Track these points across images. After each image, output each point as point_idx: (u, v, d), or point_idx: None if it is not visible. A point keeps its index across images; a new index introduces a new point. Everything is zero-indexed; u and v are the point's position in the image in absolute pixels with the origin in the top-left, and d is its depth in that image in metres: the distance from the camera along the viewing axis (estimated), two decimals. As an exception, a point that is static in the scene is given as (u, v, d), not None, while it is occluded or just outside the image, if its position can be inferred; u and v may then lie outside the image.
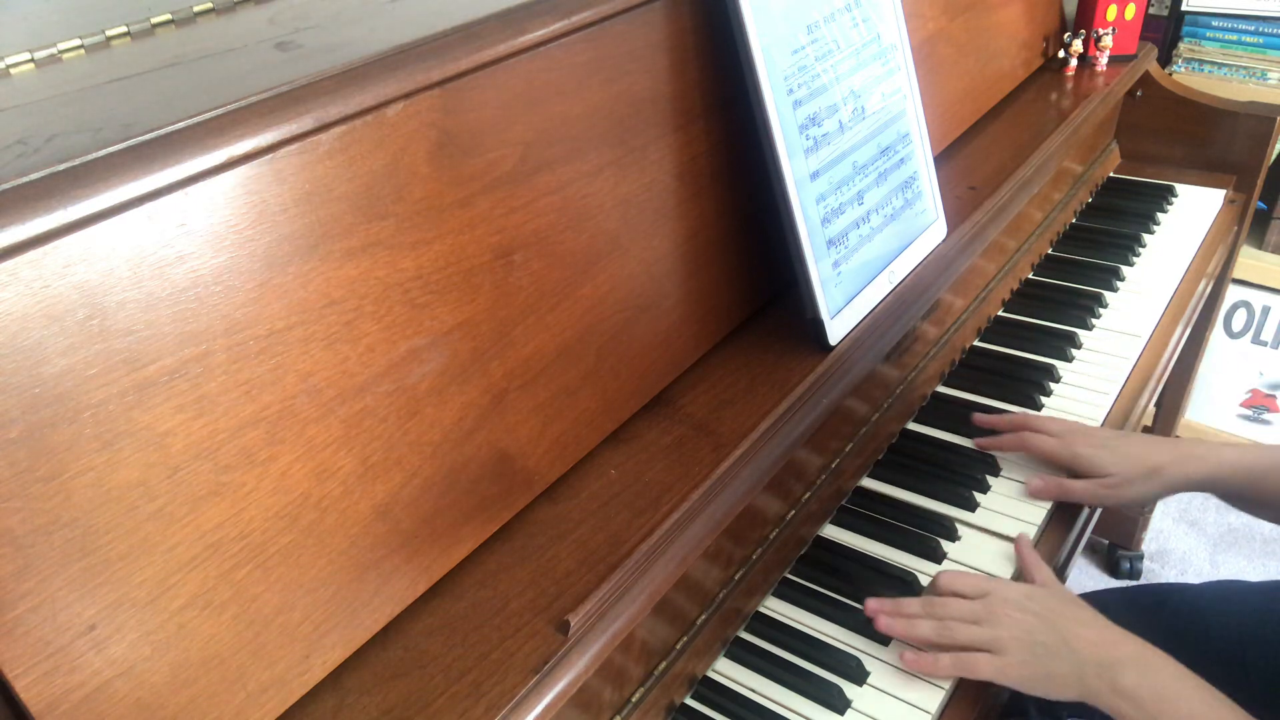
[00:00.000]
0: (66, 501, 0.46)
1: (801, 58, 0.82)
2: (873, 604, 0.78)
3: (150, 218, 0.47)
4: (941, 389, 1.05)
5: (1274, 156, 1.44)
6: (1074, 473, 0.90)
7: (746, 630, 0.80)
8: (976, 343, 1.12)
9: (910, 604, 0.77)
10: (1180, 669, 0.69)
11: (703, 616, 0.76)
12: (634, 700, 0.70)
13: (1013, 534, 0.86)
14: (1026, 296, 1.20)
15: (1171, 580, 1.75)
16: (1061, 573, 0.89)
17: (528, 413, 0.68)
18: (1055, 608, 0.73)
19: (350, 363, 0.57)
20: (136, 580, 0.49)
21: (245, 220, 0.51)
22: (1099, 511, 0.97)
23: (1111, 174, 1.48)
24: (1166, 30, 1.74)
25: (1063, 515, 0.90)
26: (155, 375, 0.48)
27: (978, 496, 0.91)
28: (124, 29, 0.71)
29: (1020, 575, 0.83)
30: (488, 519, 0.67)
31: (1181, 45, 1.72)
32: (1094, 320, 1.15)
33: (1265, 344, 1.77)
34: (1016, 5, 1.32)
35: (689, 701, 0.75)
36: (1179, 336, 1.20)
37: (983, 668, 0.71)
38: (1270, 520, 0.88)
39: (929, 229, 0.99)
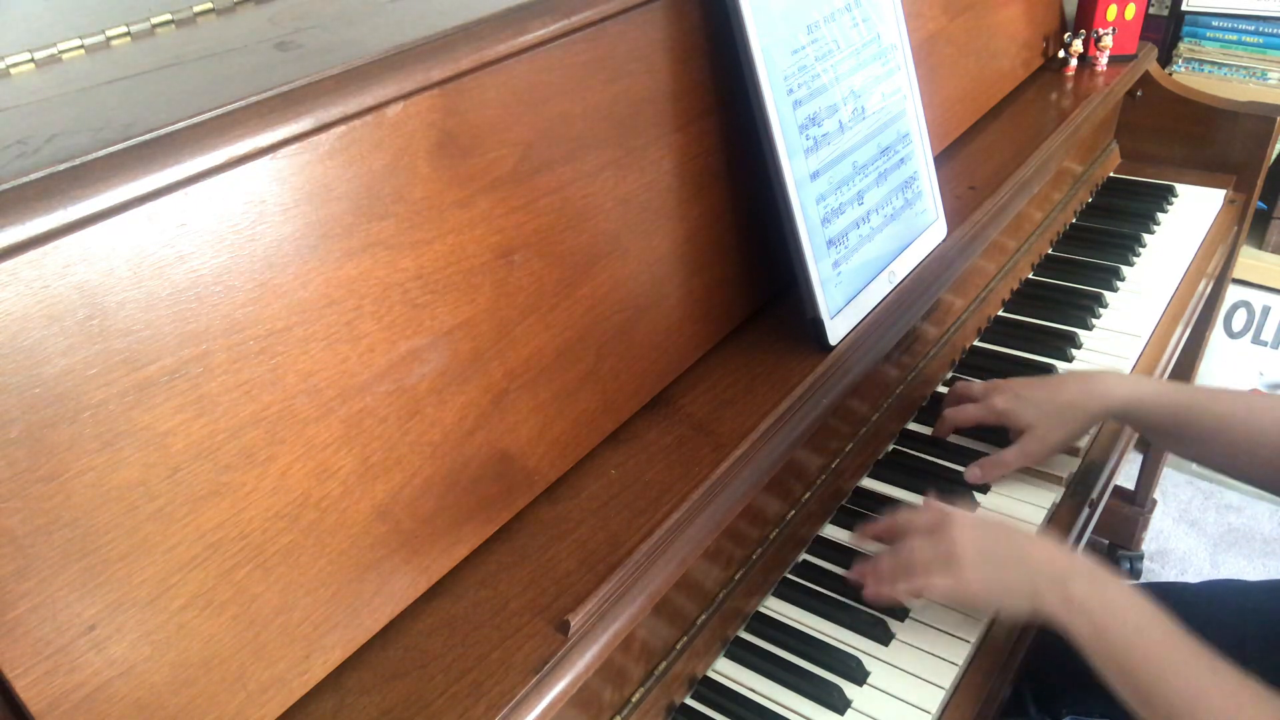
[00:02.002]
0: (66, 501, 0.46)
1: (801, 58, 0.82)
2: (855, 572, 0.81)
3: (150, 218, 0.47)
4: (942, 389, 1.05)
5: (1274, 156, 1.44)
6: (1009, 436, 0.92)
7: (746, 630, 0.80)
8: (976, 343, 1.12)
9: (881, 559, 0.79)
10: (1129, 587, 0.70)
11: (703, 616, 0.76)
12: (634, 700, 0.70)
13: (1013, 534, 0.86)
14: (1026, 296, 1.20)
15: (1171, 580, 1.75)
16: (1061, 573, 0.89)
17: (528, 413, 0.68)
18: (1010, 527, 0.78)
19: (350, 363, 0.57)
20: (136, 580, 0.49)
21: (245, 220, 0.51)
22: (1099, 511, 0.97)
23: (1111, 174, 1.48)
24: (1166, 30, 1.74)
25: (1063, 515, 0.90)
26: (155, 375, 0.48)
27: (978, 496, 0.91)
28: (124, 29, 0.71)
29: None
30: (488, 519, 0.67)
31: (1181, 45, 1.72)
32: (1094, 320, 1.15)
33: (1265, 344, 1.77)
34: (1016, 5, 1.32)
35: (689, 701, 0.75)
36: (1179, 336, 1.19)
37: (938, 584, 0.74)
38: (1191, 459, 0.88)
39: (929, 229, 0.99)
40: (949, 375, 1.07)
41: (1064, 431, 0.89)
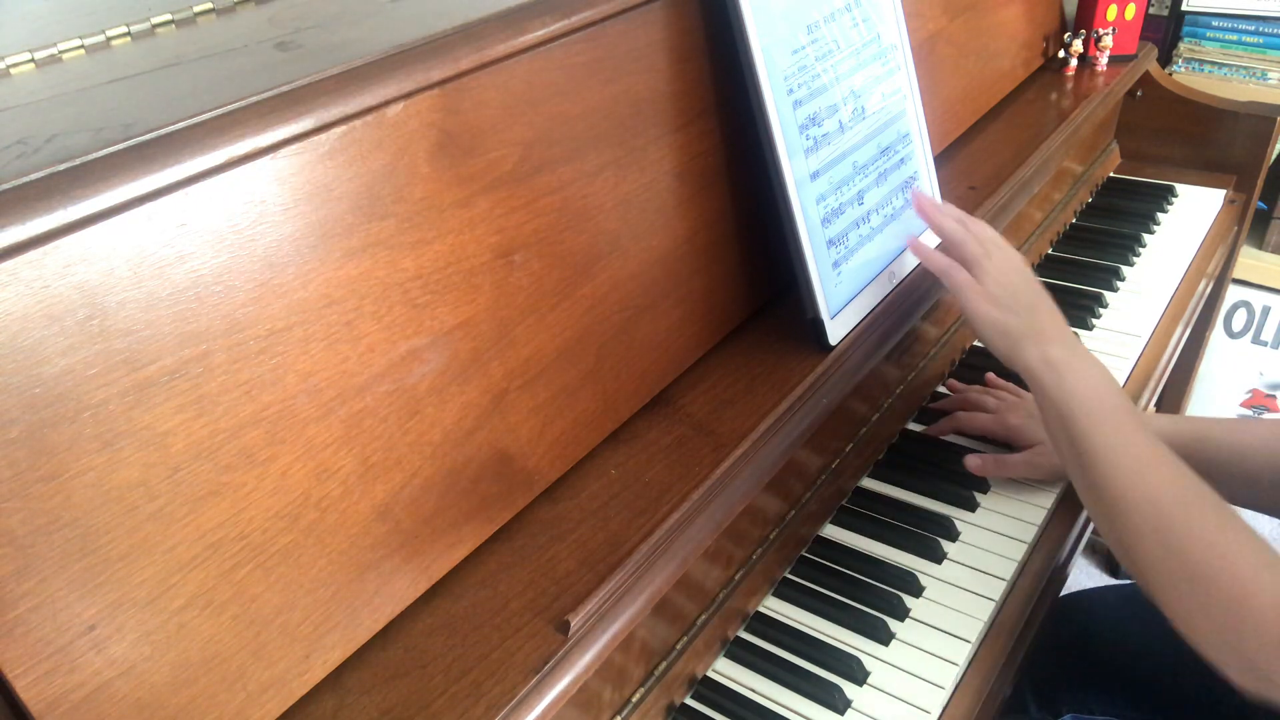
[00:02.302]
0: (66, 501, 0.46)
1: (801, 58, 0.82)
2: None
3: (150, 218, 0.47)
4: (942, 389, 1.05)
5: (1274, 156, 1.44)
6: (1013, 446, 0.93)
7: (746, 630, 0.80)
8: (976, 343, 1.12)
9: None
10: (1103, 369, 0.75)
11: (703, 616, 0.76)
12: (634, 700, 0.70)
13: (1013, 534, 0.87)
14: (1026, 296, 1.19)
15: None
16: (1061, 572, 0.89)
17: (528, 413, 0.68)
18: (1037, 280, 0.82)
19: (350, 363, 0.57)
20: (136, 580, 0.49)
21: (245, 220, 0.51)
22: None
23: (1111, 174, 1.48)
24: (1166, 30, 1.74)
25: (1063, 514, 0.90)
26: (155, 375, 0.48)
27: (978, 496, 0.91)
28: (124, 29, 0.71)
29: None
30: (488, 519, 0.67)
31: (1181, 45, 1.72)
32: (1094, 320, 1.15)
33: (1265, 344, 1.77)
34: (1016, 5, 1.32)
35: (689, 701, 0.75)
36: (1179, 336, 1.19)
37: (958, 277, 0.81)
38: None
39: (929, 229, 0.99)
40: (949, 375, 1.07)
41: None
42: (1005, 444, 0.95)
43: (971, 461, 0.92)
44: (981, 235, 0.84)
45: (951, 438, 0.98)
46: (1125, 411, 0.71)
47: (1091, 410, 0.71)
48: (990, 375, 1.02)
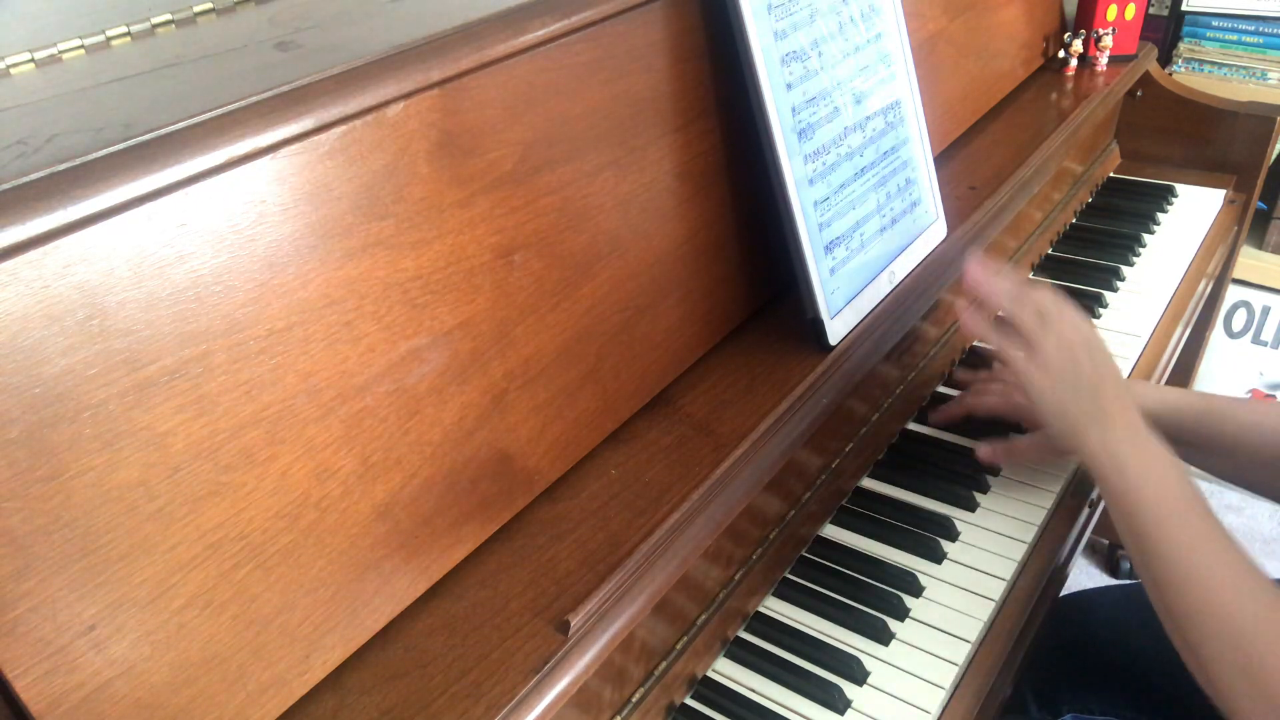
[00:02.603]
0: (66, 501, 0.46)
1: (802, 58, 0.82)
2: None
3: (150, 218, 0.47)
4: (941, 389, 1.05)
5: (1274, 156, 1.44)
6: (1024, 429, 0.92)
7: (746, 630, 0.80)
8: (977, 343, 1.12)
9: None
10: (1169, 453, 0.71)
11: (703, 616, 0.76)
12: (634, 700, 0.70)
13: (1013, 534, 0.86)
14: (1026, 296, 1.19)
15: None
16: (1061, 573, 0.89)
17: (528, 413, 0.68)
18: (1104, 350, 0.77)
19: (350, 363, 0.57)
20: (136, 580, 0.49)
21: (245, 220, 0.51)
22: (1099, 511, 0.97)
23: (1111, 174, 1.48)
24: (1166, 30, 1.74)
25: (1063, 514, 0.90)
26: (155, 375, 0.48)
27: (978, 496, 0.91)
28: (124, 29, 0.71)
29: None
30: (488, 519, 0.67)
31: (1181, 45, 1.72)
32: (1094, 320, 1.15)
33: (1265, 344, 1.77)
34: (1016, 5, 1.32)
35: (689, 701, 0.75)
36: (1179, 336, 1.20)
37: (1012, 355, 0.77)
38: (1219, 474, 0.88)
39: (929, 229, 0.99)
40: (948, 375, 1.07)
41: None
42: (1014, 427, 0.93)
43: (981, 451, 0.90)
44: (1041, 305, 0.78)
45: (952, 438, 0.98)
46: (1194, 508, 0.67)
47: (1158, 506, 0.67)
48: (962, 373, 1.02)
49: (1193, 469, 0.78)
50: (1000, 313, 0.80)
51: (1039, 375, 0.75)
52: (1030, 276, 1.23)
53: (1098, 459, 0.71)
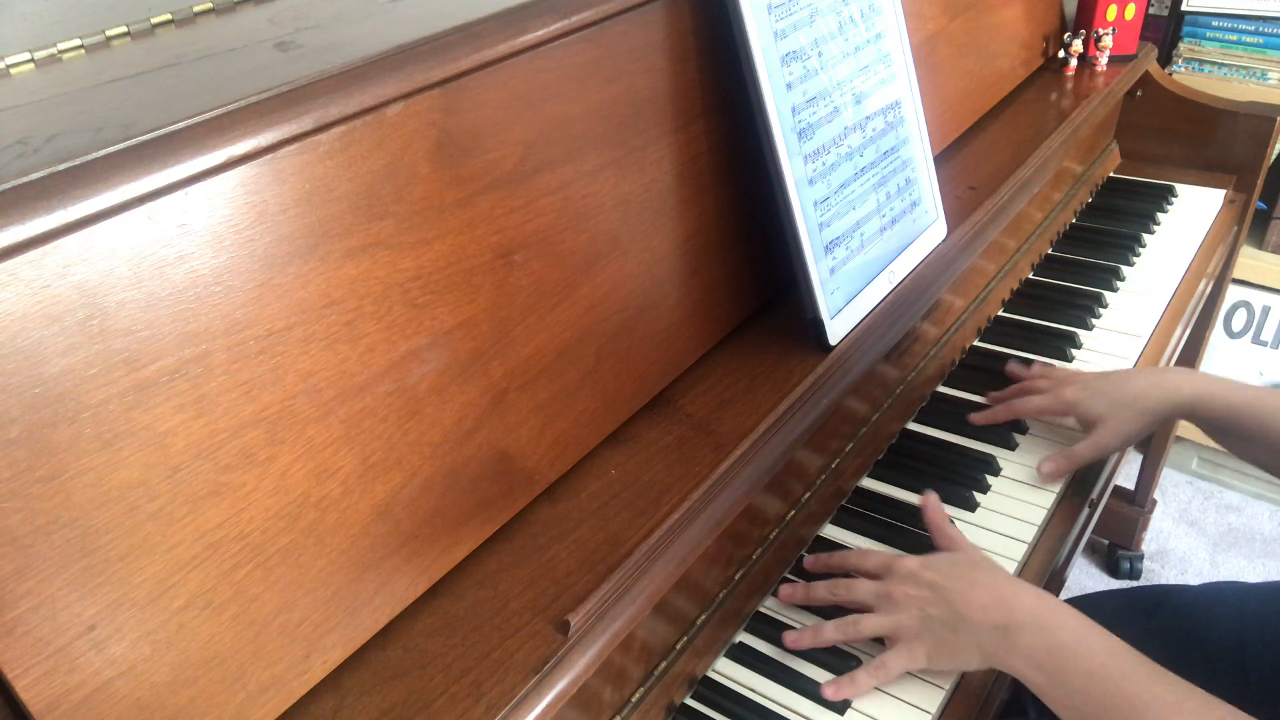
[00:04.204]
0: (66, 501, 0.46)
1: (801, 58, 0.82)
2: (790, 637, 0.77)
3: (150, 218, 0.47)
4: (941, 389, 1.05)
5: (1274, 156, 1.44)
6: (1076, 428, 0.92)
7: (747, 630, 0.80)
8: (976, 343, 1.12)
9: (818, 589, 0.78)
10: (1080, 623, 0.67)
11: (703, 616, 0.75)
12: (634, 700, 0.70)
13: (1013, 534, 0.87)
14: (1026, 296, 1.20)
15: (1171, 580, 1.75)
16: (1062, 573, 0.89)
17: (528, 413, 0.68)
18: (948, 575, 0.72)
19: (350, 363, 0.57)
20: (136, 580, 0.49)
21: (245, 220, 0.51)
22: (1099, 511, 0.97)
23: (1111, 174, 1.48)
24: (1166, 30, 1.74)
25: (1063, 514, 0.90)
26: (155, 375, 0.48)
27: (978, 496, 0.91)
28: (124, 29, 0.71)
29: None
30: (488, 519, 0.67)
31: (1181, 45, 1.72)
32: (1094, 320, 1.15)
33: (1265, 344, 1.77)
34: (1016, 5, 1.32)
35: (689, 701, 0.75)
36: (1179, 336, 1.20)
37: (893, 666, 0.72)
38: (1248, 459, 0.88)
39: (929, 229, 0.99)
40: (948, 376, 1.07)
41: (1136, 424, 0.89)
42: (1014, 427, 0.94)
43: (1045, 469, 0.91)
44: (863, 589, 0.75)
45: (952, 437, 0.98)
46: (1121, 668, 0.64)
47: (1088, 688, 0.64)
48: (1011, 365, 1.02)
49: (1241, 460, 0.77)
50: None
51: (917, 659, 0.72)
52: (1030, 275, 1.23)
53: (1014, 670, 0.68)
